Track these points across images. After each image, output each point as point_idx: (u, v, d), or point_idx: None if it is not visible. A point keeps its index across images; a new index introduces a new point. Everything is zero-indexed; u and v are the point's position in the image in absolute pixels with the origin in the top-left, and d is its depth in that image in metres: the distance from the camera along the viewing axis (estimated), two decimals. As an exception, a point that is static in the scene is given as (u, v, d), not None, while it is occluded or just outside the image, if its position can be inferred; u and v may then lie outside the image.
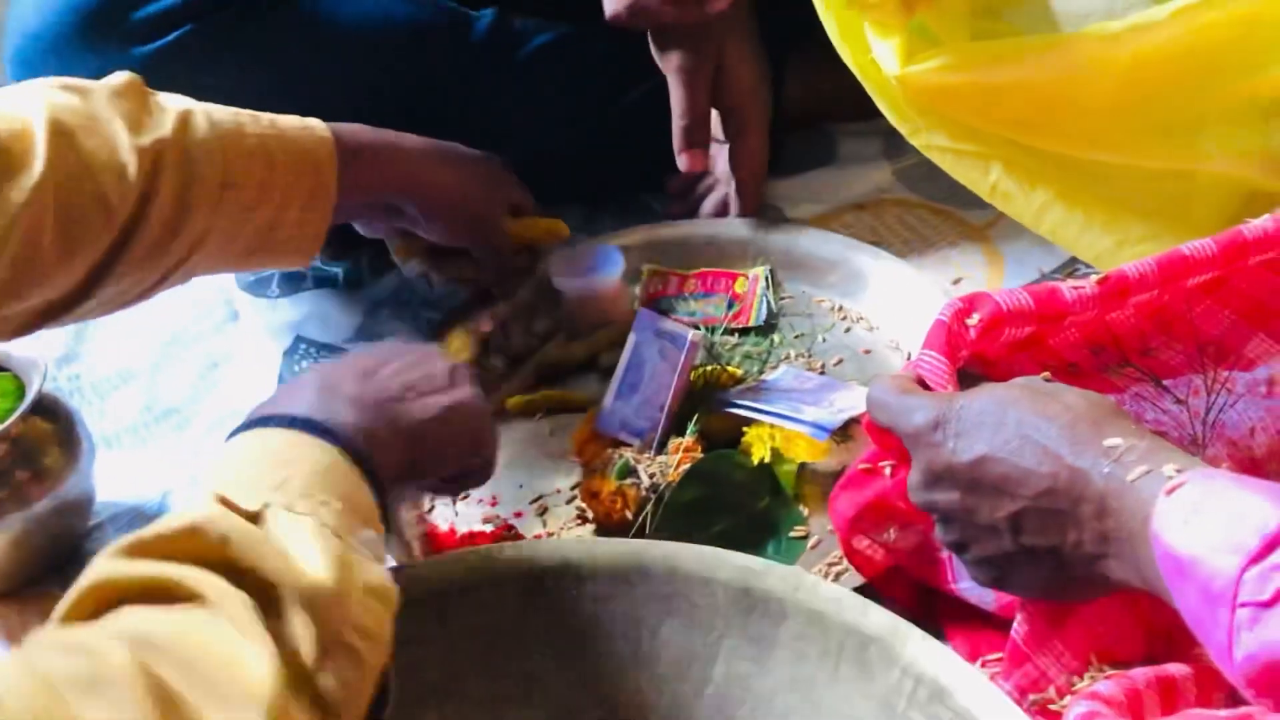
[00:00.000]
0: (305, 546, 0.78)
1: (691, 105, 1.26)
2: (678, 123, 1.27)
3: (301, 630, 0.74)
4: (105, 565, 0.75)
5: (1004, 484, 0.82)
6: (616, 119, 1.37)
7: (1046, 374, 0.89)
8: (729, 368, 1.21)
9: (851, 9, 1.10)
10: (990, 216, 1.37)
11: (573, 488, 1.18)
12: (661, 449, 1.13)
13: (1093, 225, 1.17)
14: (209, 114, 1.10)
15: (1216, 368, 0.99)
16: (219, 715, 0.68)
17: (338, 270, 1.46)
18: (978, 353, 0.94)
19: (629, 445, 1.15)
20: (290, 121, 1.14)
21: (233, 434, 0.88)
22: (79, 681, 0.65)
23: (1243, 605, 0.67)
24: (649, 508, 1.09)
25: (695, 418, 1.14)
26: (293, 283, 1.45)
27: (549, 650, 0.94)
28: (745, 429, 1.14)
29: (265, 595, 0.74)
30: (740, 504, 1.10)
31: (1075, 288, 0.93)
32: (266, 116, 1.13)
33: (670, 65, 1.26)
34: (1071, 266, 1.29)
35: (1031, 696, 0.87)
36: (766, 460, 1.11)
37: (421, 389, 0.96)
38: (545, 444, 1.23)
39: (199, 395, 1.37)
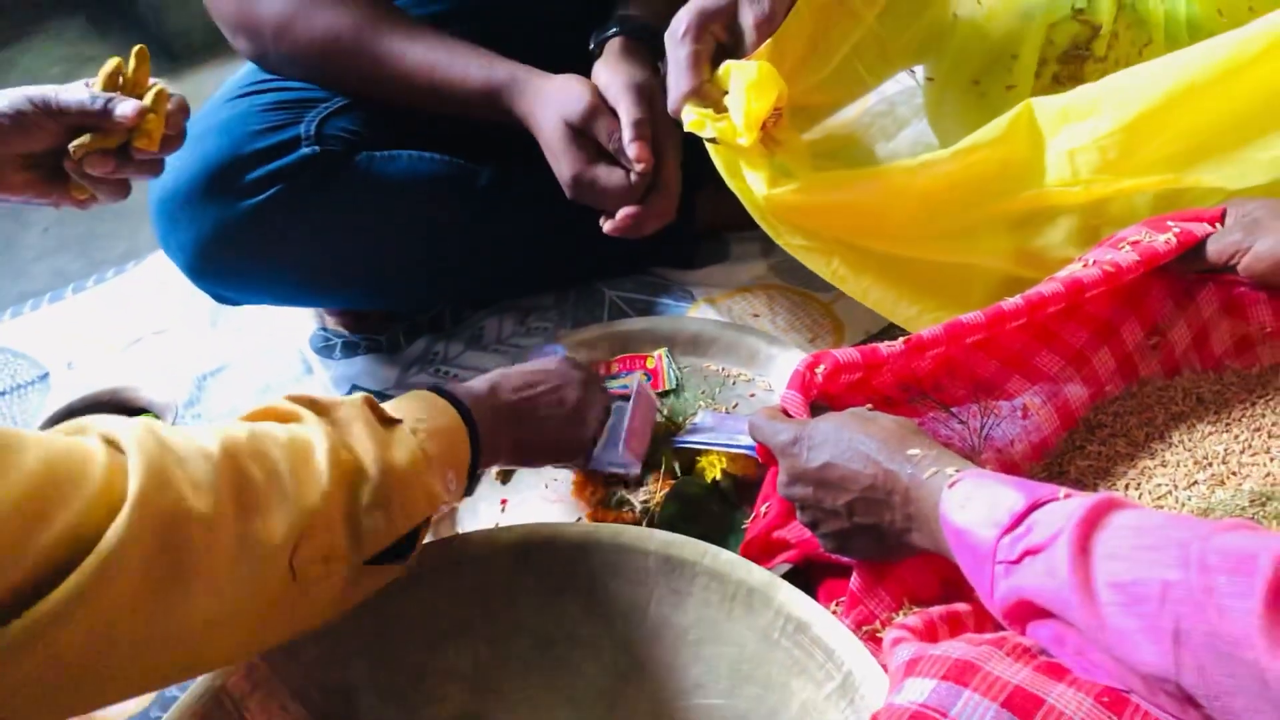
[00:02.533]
0: (401, 445, 0.83)
1: (638, 108, 1.15)
2: (629, 119, 1.14)
3: (371, 482, 0.79)
4: (272, 400, 0.84)
5: (841, 481, 0.83)
6: (573, 236, 1.35)
7: (869, 405, 0.90)
8: (671, 419, 1.19)
9: (731, 153, 1.09)
10: (834, 295, 1.36)
11: (575, 521, 1.13)
12: (642, 483, 1.12)
13: (902, 299, 1.16)
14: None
15: (987, 399, 0.99)
16: (278, 495, 0.73)
17: (381, 338, 1.45)
18: (824, 391, 0.94)
19: (616, 484, 1.12)
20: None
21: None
22: (181, 450, 0.70)
23: (999, 563, 0.69)
24: (644, 525, 1.07)
25: (664, 455, 1.13)
26: (350, 348, 1.45)
27: (531, 600, 0.94)
28: (697, 458, 1.12)
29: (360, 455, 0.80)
30: (705, 513, 1.09)
31: (889, 346, 0.94)
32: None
33: (615, 83, 1.17)
34: (890, 329, 1.28)
35: (864, 628, 0.87)
36: (718, 479, 1.10)
37: (552, 410, 1.04)
38: (545, 494, 1.18)
39: (286, 427, 1.36)
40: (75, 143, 0.95)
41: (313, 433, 0.80)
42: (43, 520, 0.62)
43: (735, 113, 1.07)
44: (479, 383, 1.01)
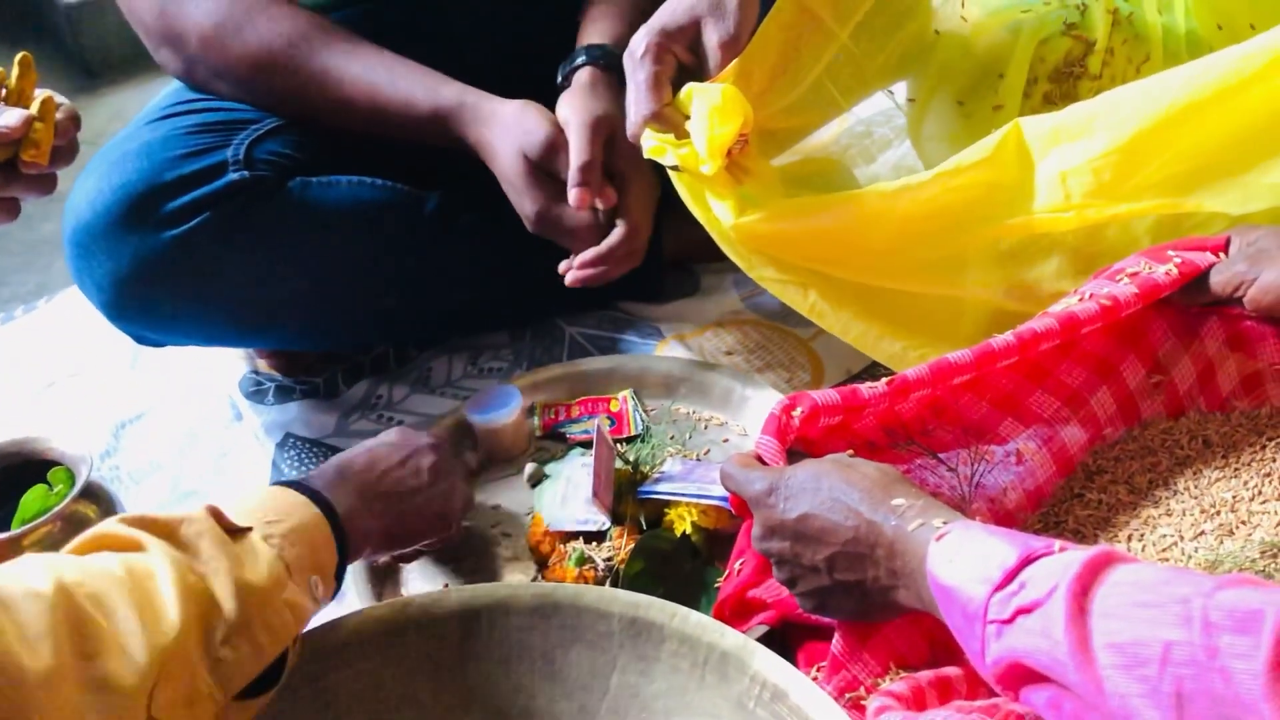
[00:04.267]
0: (256, 559, 0.82)
1: (587, 149, 1.17)
2: (574, 164, 1.16)
3: (226, 607, 0.77)
4: (105, 523, 0.79)
5: (821, 534, 0.83)
6: (529, 268, 1.35)
7: (850, 451, 0.91)
8: (637, 468, 1.18)
9: (696, 182, 1.10)
10: (813, 331, 1.37)
11: (532, 579, 1.13)
12: (605, 538, 1.12)
13: (885, 335, 1.17)
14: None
15: (978, 443, 1.00)
16: (125, 636, 0.70)
17: (318, 381, 1.45)
18: (801, 436, 0.95)
19: (576, 538, 1.12)
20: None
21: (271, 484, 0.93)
22: (5, 593, 0.67)
23: (990, 622, 0.69)
24: (607, 584, 1.07)
25: (629, 507, 1.12)
26: (283, 393, 1.44)
27: (483, 669, 0.93)
28: (666, 510, 1.12)
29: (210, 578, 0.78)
30: (675, 570, 1.09)
31: (871, 387, 0.95)
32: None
33: (573, 120, 1.19)
34: (873, 367, 1.29)
35: (847, 695, 0.87)
36: (688, 532, 1.09)
37: (408, 482, 1.04)
38: (498, 548, 1.18)
39: (213, 478, 1.35)
40: None
41: (155, 560, 0.76)
42: None
43: (698, 139, 1.08)
44: (326, 469, 1.00)
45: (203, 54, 1.27)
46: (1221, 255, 1.00)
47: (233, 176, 1.24)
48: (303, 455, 1.34)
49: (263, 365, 1.48)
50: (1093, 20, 1.16)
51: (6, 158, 0.95)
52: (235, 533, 0.83)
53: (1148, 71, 1.15)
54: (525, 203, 1.18)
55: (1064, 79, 1.19)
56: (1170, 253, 1.01)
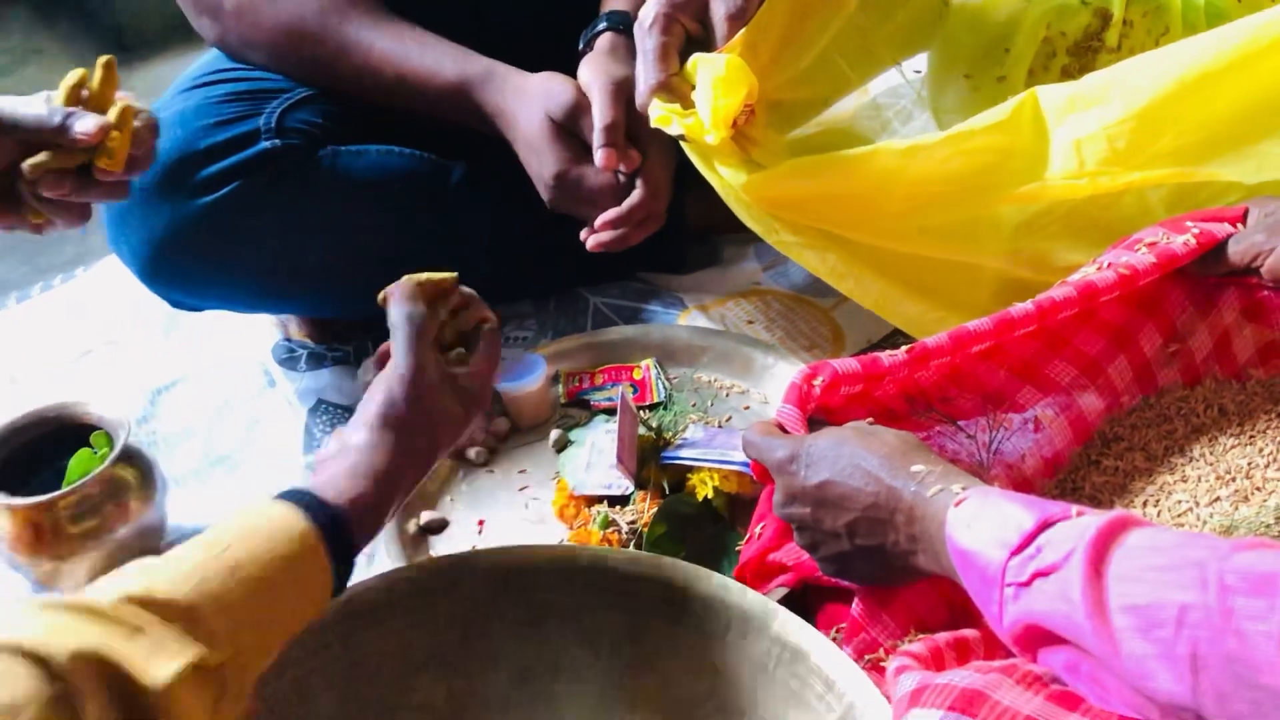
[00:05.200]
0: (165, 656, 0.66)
1: (611, 110, 1.15)
2: (599, 124, 1.15)
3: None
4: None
5: (841, 500, 0.83)
6: (553, 238, 1.35)
7: (871, 419, 0.91)
8: (660, 434, 1.18)
9: (705, 154, 1.09)
10: (833, 301, 1.36)
11: (558, 542, 1.12)
12: (628, 502, 1.12)
13: (903, 299, 1.16)
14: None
15: (997, 411, 1.00)
16: None
17: (349, 348, 1.45)
18: (822, 404, 0.95)
19: (601, 502, 1.12)
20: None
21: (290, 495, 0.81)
22: None
23: (1008, 585, 0.69)
24: (631, 547, 1.07)
25: (652, 472, 1.13)
26: (315, 360, 1.44)
27: (510, 629, 0.93)
28: (688, 475, 1.12)
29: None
30: (697, 534, 1.08)
31: (891, 355, 0.94)
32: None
33: (595, 83, 1.18)
34: (893, 336, 1.28)
35: (867, 656, 0.88)
36: (710, 497, 1.09)
37: (399, 405, 0.90)
38: (526, 515, 1.18)
39: (245, 445, 1.35)
40: (30, 161, 0.92)
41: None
42: None
43: (702, 109, 1.07)
44: (326, 452, 0.89)
45: (237, 22, 1.27)
46: (1240, 226, 0.99)
47: (264, 145, 1.25)
48: (335, 420, 1.34)
49: (295, 332, 1.48)
50: (1110, -8, 1.15)
51: (81, 163, 0.93)
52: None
53: (1166, 44, 1.14)
54: (547, 163, 1.18)
55: (1083, 53, 1.18)
56: (1188, 223, 1.00)
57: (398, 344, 0.94)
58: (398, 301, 0.97)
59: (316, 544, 0.78)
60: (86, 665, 0.62)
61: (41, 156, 0.92)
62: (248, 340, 1.49)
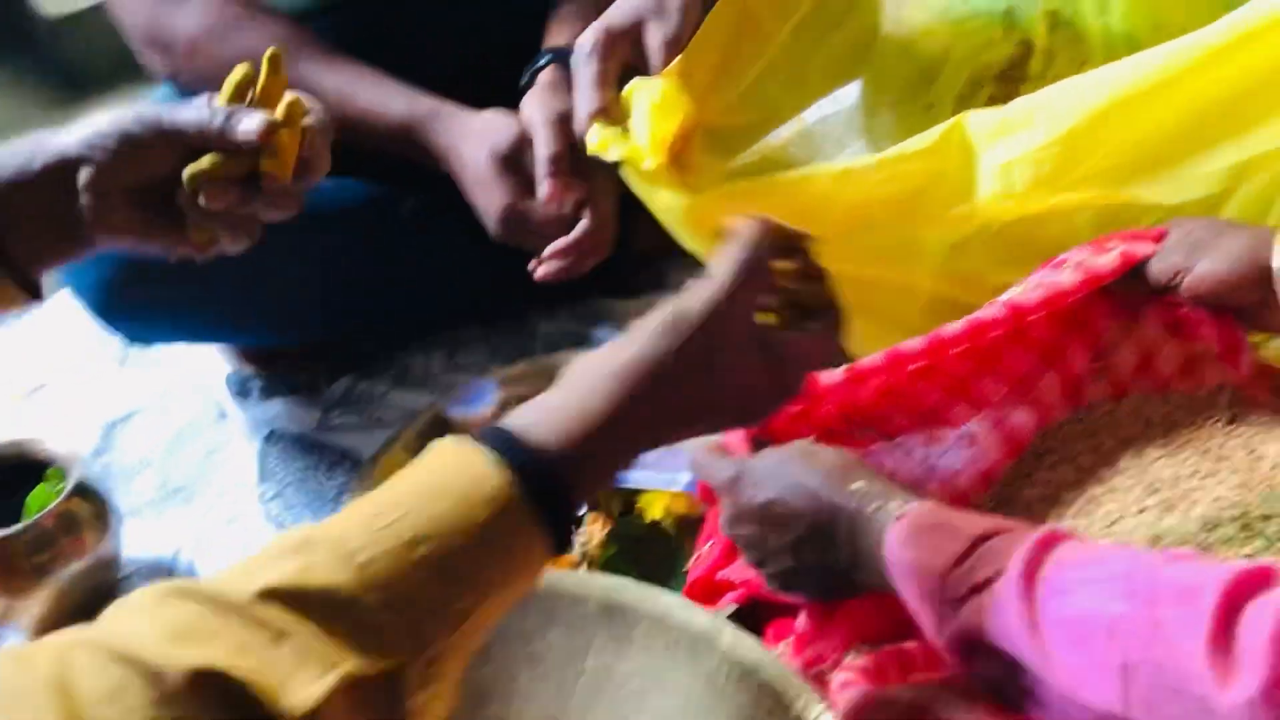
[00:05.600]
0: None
1: (554, 142, 1.15)
2: (541, 157, 1.14)
3: None
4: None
5: (785, 519, 0.84)
6: (503, 267, 1.34)
7: (812, 438, 0.92)
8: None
9: (644, 180, 1.09)
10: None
11: None
12: (579, 525, 1.11)
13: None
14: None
15: (932, 428, 1.01)
16: None
17: (301, 379, 1.44)
18: (765, 425, 0.94)
19: None
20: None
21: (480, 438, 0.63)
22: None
23: (945, 601, 0.70)
24: (584, 569, 1.08)
25: (601, 496, 1.12)
26: (268, 391, 1.43)
27: None
28: (637, 497, 1.12)
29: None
30: (647, 555, 1.09)
31: (829, 377, 0.95)
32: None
33: (537, 116, 1.17)
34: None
35: (813, 670, 0.88)
36: (659, 518, 1.10)
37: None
38: None
39: (201, 476, 1.35)
40: (190, 169, 0.82)
41: None
42: None
43: (640, 134, 1.07)
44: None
45: (189, 60, 1.27)
46: (1160, 246, 1.01)
47: None
48: (289, 450, 1.34)
49: (246, 363, 1.47)
50: (1032, 23, 1.17)
51: (246, 170, 0.83)
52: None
53: (1087, 71, 1.16)
54: (494, 198, 1.18)
55: (1008, 81, 1.20)
56: (1111, 243, 1.02)
57: (708, 284, 0.74)
58: (738, 238, 0.77)
59: (520, 501, 0.60)
60: (205, 688, 0.50)
61: (202, 162, 0.82)
62: (201, 372, 1.48)
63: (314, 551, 0.56)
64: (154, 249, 0.86)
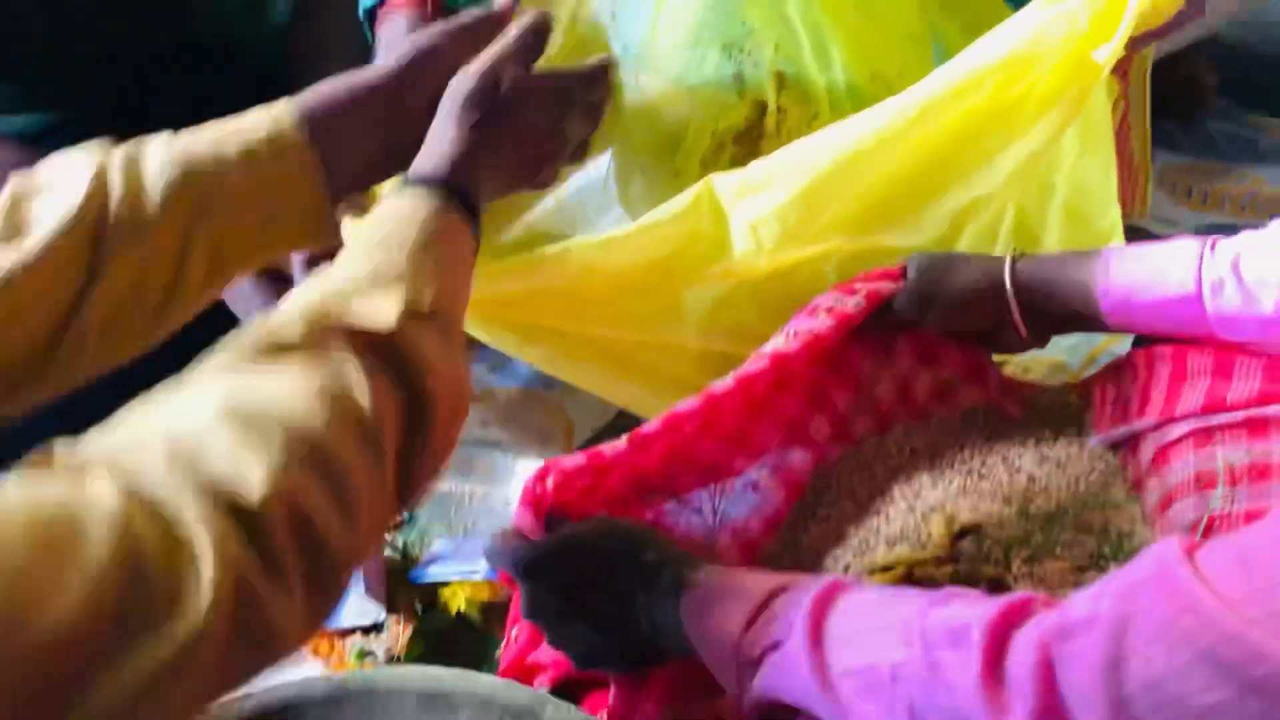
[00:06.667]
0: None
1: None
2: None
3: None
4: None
5: (584, 599, 0.84)
6: None
7: (603, 512, 0.92)
8: (406, 554, 1.16)
9: None
10: (560, 392, 1.35)
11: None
12: (382, 629, 1.08)
13: (620, 381, 1.18)
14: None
15: (717, 481, 1.02)
16: None
17: None
18: (557, 502, 0.93)
19: (354, 633, 1.08)
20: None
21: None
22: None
23: (742, 664, 0.71)
24: None
25: (401, 594, 1.10)
26: None
27: None
28: (440, 590, 1.10)
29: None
30: (456, 648, 1.07)
31: (613, 446, 0.95)
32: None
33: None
34: (619, 419, 1.29)
35: (633, 739, 0.87)
36: (463, 610, 1.08)
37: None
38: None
39: None
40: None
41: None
42: None
43: None
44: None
45: None
46: (902, 283, 1.05)
47: None
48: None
49: None
50: (761, 86, 1.20)
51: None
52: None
53: (819, 126, 1.20)
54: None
55: (747, 141, 1.23)
56: (857, 285, 1.06)
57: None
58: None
59: (443, 200, 0.81)
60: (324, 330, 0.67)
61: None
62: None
63: (326, 278, 0.73)
64: None
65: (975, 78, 0.99)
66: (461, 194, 0.84)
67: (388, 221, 0.79)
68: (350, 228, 0.93)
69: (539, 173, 1.02)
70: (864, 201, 1.06)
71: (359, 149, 0.92)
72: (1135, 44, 0.96)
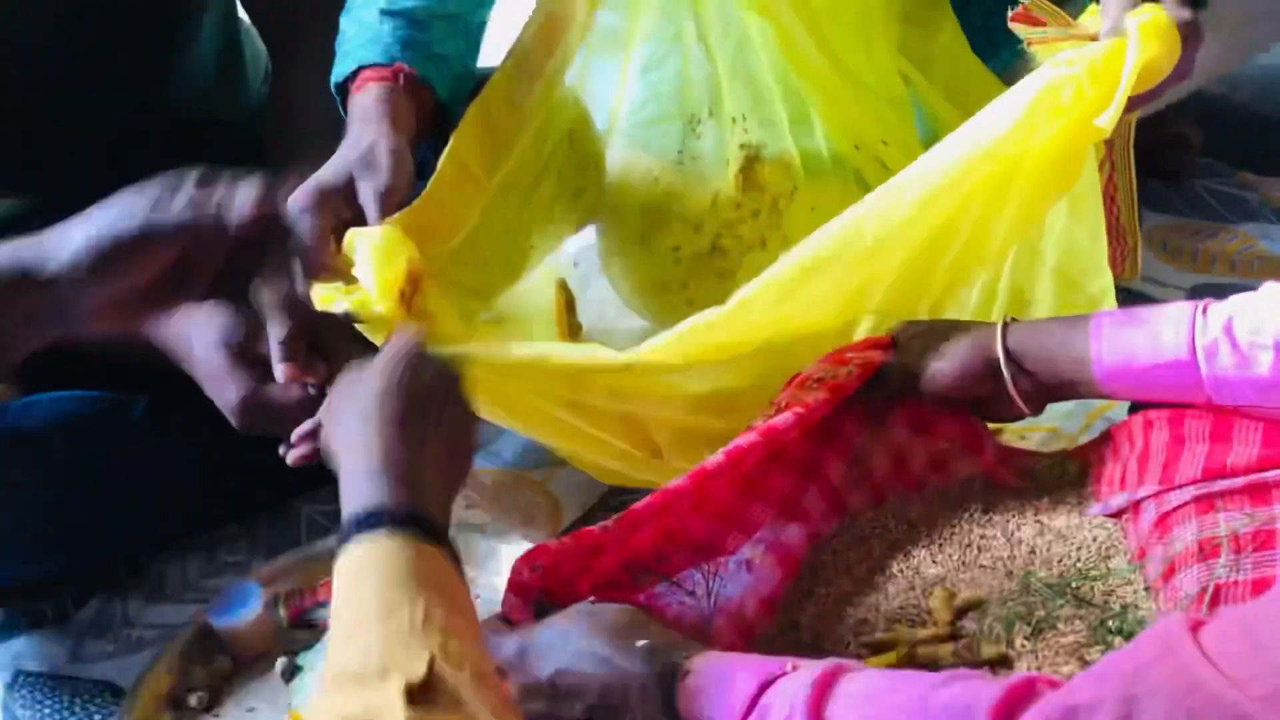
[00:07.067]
0: None
1: (287, 323, 1.09)
2: (274, 340, 1.09)
3: None
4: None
5: (575, 689, 0.81)
6: (252, 455, 1.26)
7: (593, 598, 0.89)
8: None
9: (380, 329, 1.05)
10: (545, 472, 1.33)
11: None
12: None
13: (602, 454, 1.16)
14: None
15: (709, 560, 0.99)
16: None
17: (45, 607, 1.30)
18: (545, 588, 0.92)
19: None
20: None
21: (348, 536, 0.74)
22: None
23: (740, 756, 0.69)
24: None
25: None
26: (8, 627, 1.28)
27: None
28: None
29: None
30: None
31: (603, 527, 0.93)
32: None
33: (268, 297, 1.10)
34: (608, 498, 1.27)
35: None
36: None
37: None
38: None
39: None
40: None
41: None
42: None
43: (366, 280, 1.03)
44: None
45: None
46: (892, 351, 1.04)
47: None
48: (37, 693, 1.20)
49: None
50: (731, 159, 1.21)
51: None
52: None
53: (801, 198, 1.21)
54: (229, 391, 1.11)
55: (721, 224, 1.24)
56: (848, 354, 1.05)
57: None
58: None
59: (411, 540, 0.74)
60: None
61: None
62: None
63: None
64: None
65: (984, 151, 0.98)
66: (420, 516, 0.78)
67: (365, 583, 0.72)
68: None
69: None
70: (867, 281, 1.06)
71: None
72: (1129, 106, 0.96)
